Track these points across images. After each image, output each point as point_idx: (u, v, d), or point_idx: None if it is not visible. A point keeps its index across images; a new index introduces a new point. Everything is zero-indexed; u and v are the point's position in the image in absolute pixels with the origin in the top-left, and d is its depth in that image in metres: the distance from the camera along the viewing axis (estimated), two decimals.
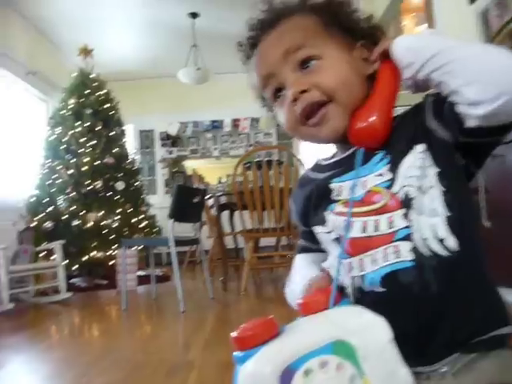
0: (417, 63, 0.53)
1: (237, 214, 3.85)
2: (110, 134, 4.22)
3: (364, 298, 0.54)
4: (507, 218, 1.47)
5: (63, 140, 4.07)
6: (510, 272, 1.50)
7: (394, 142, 0.57)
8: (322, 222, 0.61)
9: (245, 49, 0.67)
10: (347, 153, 0.61)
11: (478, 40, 2.36)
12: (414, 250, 0.52)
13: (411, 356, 0.47)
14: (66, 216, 3.83)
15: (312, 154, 6.06)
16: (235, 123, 6.51)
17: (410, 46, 0.55)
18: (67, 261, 3.52)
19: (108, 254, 3.84)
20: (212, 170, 6.16)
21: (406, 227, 0.53)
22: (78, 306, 3.17)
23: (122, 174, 4.16)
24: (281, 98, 0.61)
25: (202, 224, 3.43)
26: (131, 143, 5.18)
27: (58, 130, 4.13)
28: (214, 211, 3.86)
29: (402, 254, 0.52)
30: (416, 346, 0.51)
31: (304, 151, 5.61)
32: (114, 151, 4.15)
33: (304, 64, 0.59)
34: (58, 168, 3.98)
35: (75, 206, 3.87)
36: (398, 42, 0.56)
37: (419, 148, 0.55)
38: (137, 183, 4.41)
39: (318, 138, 0.61)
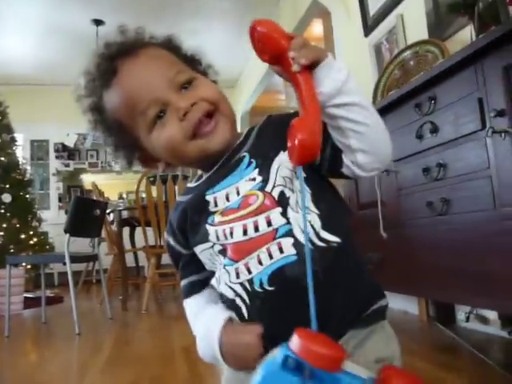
0: (342, 87, 0.54)
1: (138, 230, 3.70)
2: None
3: (255, 300, 0.56)
4: (400, 228, 1.60)
5: None
6: (403, 280, 1.63)
7: (259, 147, 0.61)
8: (204, 238, 0.60)
9: (98, 76, 0.64)
10: (215, 168, 0.64)
11: (373, 68, 2.59)
12: (296, 244, 0.54)
13: None
14: None
15: None
16: None
17: (347, 70, 0.56)
18: None
19: None
20: (112, 186, 5.87)
21: (286, 224, 0.55)
22: None
23: (9, 186, 3.76)
24: (162, 120, 0.61)
25: (101, 240, 3.22)
26: (21, 153, 4.72)
27: None
28: (114, 227, 3.67)
29: (286, 250, 0.54)
30: None
31: None
32: (0, 160, 3.75)
33: (184, 86, 0.62)
34: None
35: None
36: (338, 60, 0.58)
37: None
38: (27, 196, 4.02)
39: (207, 150, 0.61)
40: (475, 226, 1.25)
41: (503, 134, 1.12)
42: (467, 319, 1.78)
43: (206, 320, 0.61)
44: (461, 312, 1.84)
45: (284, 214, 0.56)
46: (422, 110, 1.44)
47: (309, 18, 3.81)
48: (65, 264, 2.45)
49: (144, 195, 3.42)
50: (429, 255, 1.48)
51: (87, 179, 6.08)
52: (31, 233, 3.87)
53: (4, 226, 3.60)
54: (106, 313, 2.76)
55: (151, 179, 3.21)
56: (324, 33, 4.16)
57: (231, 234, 0.57)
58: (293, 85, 0.54)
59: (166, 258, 3.89)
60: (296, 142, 0.51)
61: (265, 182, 0.57)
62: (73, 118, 6.62)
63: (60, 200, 5.98)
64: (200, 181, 0.66)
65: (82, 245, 3.31)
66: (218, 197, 0.60)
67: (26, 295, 3.39)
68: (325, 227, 0.56)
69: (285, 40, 0.54)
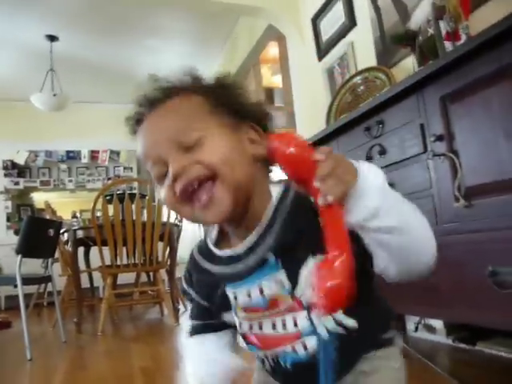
0: (378, 212, 0.48)
1: (93, 250, 3.61)
2: None
3: (278, 368, 0.62)
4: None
5: None
6: None
7: (287, 245, 0.56)
8: (229, 318, 0.64)
9: (131, 123, 0.65)
10: (240, 249, 0.60)
11: (326, 91, 2.71)
12: (319, 340, 0.57)
13: None
14: None
15: None
16: (93, 155, 6.19)
17: (383, 187, 0.50)
18: None
19: None
20: (66, 204, 5.69)
21: (310, 325, 0.57)
22: None
23: None
24: (166, 178, 0.58)
25: (54, 261, 3.12)
26: None
27: None
28: (68, 247, 3.56)
29: (310, 347, 0.58)
30: None
31: None
32: None
33: (190, 146, 0.57)
34: None
35: None
36: (370, 177, 0.49)
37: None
38: None
39: (202, 221, 0.58)
40: None
41: (442, 157, 1.23)
42: (416, 329, 1.88)
43: (224, 363, 0.65)
44: (410, 322, 1.95)
45: (308, 316, 0.57)
46: (371, 133, 1.55)
47: (265, 40, 3.94)
48: (16, 286, 2.36)
49: (99, 214, 3.36)
50: None
51: (38, 198, 5.86)
52: None
53: None
54: (60, 336, 2.66)
55: (108, 197, 3.16)
56: (279, 55, 4.32)
57: (260, 328, 0.61)
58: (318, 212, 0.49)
59: (121, 278, 3.82)
60: (326, 288, 0.44)
61: (293, 287, 0.56)
62: (24, 134, 6.39)
63: (8, 219, 5.72)
64: (225, 253, 0.62)
65: (33, 266, 3.19)
66: (238, 293, 0.60)
67: None
68: (348, 313, 0.56)
69: (310, 163, 0.46)
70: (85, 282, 3.78)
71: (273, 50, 4.43)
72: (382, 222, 0.48)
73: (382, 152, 1.49)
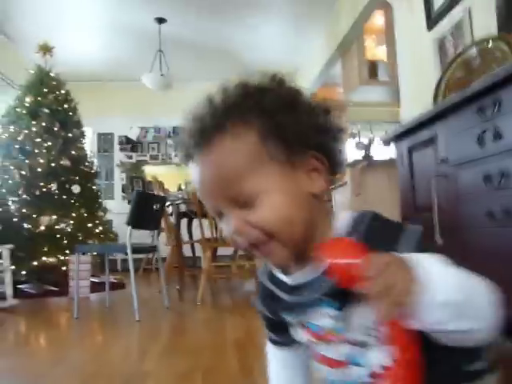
0: (450, 322, 0.44)
1: (195, 222, 3.83)
2: (68, 135, 4.09)
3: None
4: (456, 235, 1.54)
5: (17, 139, 3.90)
6: None
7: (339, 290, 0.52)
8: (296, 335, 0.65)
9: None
10: (304, 280, 0.58)
11: (435, 64, 2.49)
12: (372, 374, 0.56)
13: None
14: (16, 219, 3.66)
15: None
16: None
17: (449, 300, 0.43)
18: (13, 266, 3.31)
19: (60, 259, 3.70)
20: (172, 177, 6.08)
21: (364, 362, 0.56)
22: (26, 313, 3.01)
23: (78, 177, 4.03)
24: (223, 219, 0.57)
25: (160, 231, 3.38)
26: (89, 146, 5.02)
27: (12, 128, 3.95)
28: (172, 219, 3.82)
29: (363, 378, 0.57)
30: None
31: None
32: (71, 153, 4.02)
33: (242, 202, 0.53)
34: (9, 168, 3.80)
35: (26, 209, 3.70)
36: (431, 295, 0.43)
37: None
38: (94, 187, 4.28)
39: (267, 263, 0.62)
40: None
41: None
42: None
43: None
44: None
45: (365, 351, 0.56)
46: (485, 114, 1.38)
47: (369, 10, 3.70)
48: (127, 254, 2.60)
49: None
50: (484, 266, 1.42)
51: (148, 171, 6.35)
52: (97, 222, 4.12)
53: (73, 215, 3.87)
54: (164, 302, 2.89)
55: None
56: (385, 25, 4.05)
57: (319, 349, 0.62)
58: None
59: (221, 250, 4.00)
60: None
61: (344, 328, 0.56)
62: (135, 111, 6.87)
63: (123, 190, 6.30)
64: (292, 281, 0.61)
65: (144, 233, 3.48)
66: (293, 320, 0.64)
67: (92, 280, 3.64)
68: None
69: (360, 276, 0.44)
70: (188, 251, 4.04)
71: (378, 19, 4.16)
72: (455, 326, 0.44)
73: (497, 136, 1.32)
